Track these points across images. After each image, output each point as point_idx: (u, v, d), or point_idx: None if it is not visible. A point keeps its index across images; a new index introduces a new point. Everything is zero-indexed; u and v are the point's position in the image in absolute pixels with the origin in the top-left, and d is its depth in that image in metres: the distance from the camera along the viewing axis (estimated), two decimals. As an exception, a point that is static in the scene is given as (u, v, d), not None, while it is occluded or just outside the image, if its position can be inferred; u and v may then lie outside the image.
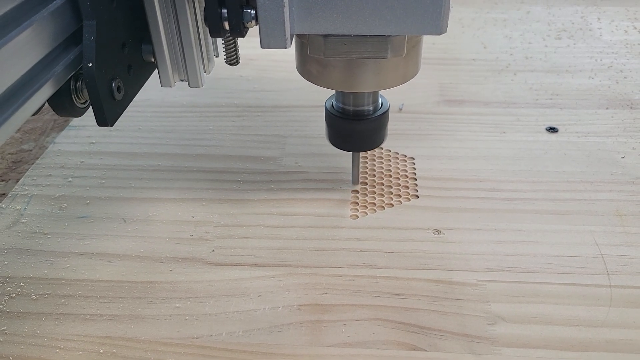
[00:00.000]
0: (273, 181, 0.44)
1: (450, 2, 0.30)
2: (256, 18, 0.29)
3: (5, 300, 0.35)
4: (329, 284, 0.36)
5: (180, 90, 0.56)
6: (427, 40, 0.64)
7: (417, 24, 0.30)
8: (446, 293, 0.35)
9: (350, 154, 0.42)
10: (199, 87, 0.34)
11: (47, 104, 0.28)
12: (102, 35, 0.28)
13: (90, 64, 0.27)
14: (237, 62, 0.35)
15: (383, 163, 0.46)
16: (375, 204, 0.42)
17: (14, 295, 0.35)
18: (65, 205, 0.43)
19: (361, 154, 0.46)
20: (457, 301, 0.34)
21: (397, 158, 0.47)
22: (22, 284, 0.36)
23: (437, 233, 0.39)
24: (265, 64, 0.62)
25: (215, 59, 0.37)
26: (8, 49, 0.24)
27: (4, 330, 0.33)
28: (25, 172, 0.46)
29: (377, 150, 0.47)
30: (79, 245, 0.39)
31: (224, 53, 0.35)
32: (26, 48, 0.25)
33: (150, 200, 0.43)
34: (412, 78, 0.36)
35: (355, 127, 0.38)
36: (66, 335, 0.33)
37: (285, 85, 0.58)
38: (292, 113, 0.53)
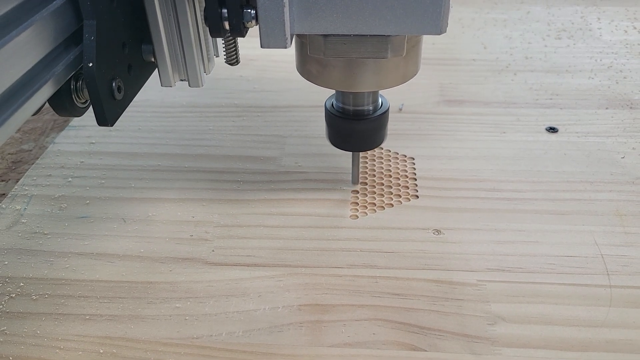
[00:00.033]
0: (273, 181, 0.44)
1: (450, 2, 0.30)
2: (256, 18, 0.29)
3: (5, 301, 0.35)
4: (329, 284, 0.36)
5: (180, 90, 0.56)
6: (427, 40, 0.64)
7: (417, 24, 0.30)
8: (446, 293, 0.35)
9: (350, 154, 0.42)
10: (199, 86, 0.34)
11: (47, 103, 0.28)
12: (102, 35, 0.28)
13: (91, 64, 0.27)
14: (237, 62, 0.35)
15: (383, 163, 0.46)
16: (375, 204, 0.42)
17: (13, 295, 0.35)
18: (65, 205, 0.43)
19: (361, 154, 0.46)
20: (457, 301, 0.34)
21: (397, 158, 0.47)
22: (22, 284, 0.36)
23: (437, 233, 0.39)
24: (265, 64, 0.62)
25: (216, 58, 0.37)
26: (8, 49, 0.24)
27: (3, 330, 0.33)
28: (25, 172, 0.46)
29: (377, 150, 0.47)
30: (78, 245, 0.39)
31: (224, 53, 0.35)
32: (26, 48, 0.25)
33: (150, 200, 0.43)
34: (412, 78, 0.36)
35: (355, 126, 0.39)
36: (66, 335, 0.33)
37: (285, 85, 0.58)
38: (292, 113, 0.53)
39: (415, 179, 0.44)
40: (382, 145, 0.42)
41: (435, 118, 0.52)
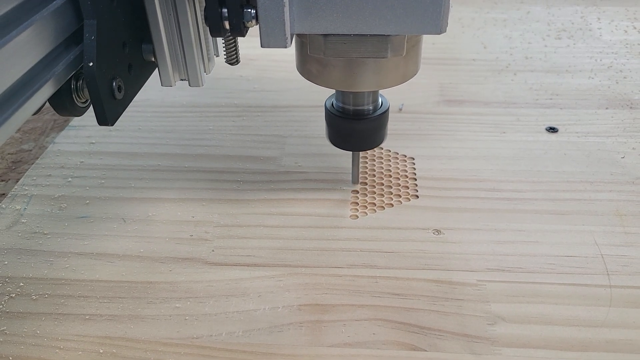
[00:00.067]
0: (273, 181, 0.44)
1: (450, 2, 0.30)
2: (256, 17, 0.29)
3: (5, 300, 0.35)
4: (329, 284, 0.36)
5: (180, 90, 0.56)
6: (427, 40, 0.64)
7: (417, 24, 0.30)
8: (446, 293, 0.35)
9: (350, 153, 0.42)
10: (199, 86, 0.34)
11: (47, 103, 0.28)
12: (102, 34, 0.28)
13: (91, 64, 0.27)
14: (237, 62, 0.35)
15: (383, 163, 0.46)
16: (375, 204, 0.42)
17: (13, 295, 0.35)
18: (65, 205, 0.43)
19: (361, 154, 0.46)
20: (457, 301, 0.34)
21: (397, 158, 0.47)
22: (21, 284, 0.36)
23: (437, 233, 0.39)
24: (265, 64, 0.62)
25: (216, 58, 0.37)
26: (9, 49, 0.24)
27: (3, 330, 0.33)
28: (25, 172, 0.46)
29: (377, 150, 0.47)
30: (78, 245, 0.39)
31: (224, 52, 0.35)
32: (27, 47, 0.25)
33: (150, 200, 0.43)
34: (412, 77, 0.36)
35: (355, 126, 0.39)
36: (66, 335, 0.33)
37: (285, 85, 0.58)
38: (292, 113, 0.53)
39: (415, 179, 0.44)
40: (382, 145, 0.42)
41: (435, 118, 0.52)
